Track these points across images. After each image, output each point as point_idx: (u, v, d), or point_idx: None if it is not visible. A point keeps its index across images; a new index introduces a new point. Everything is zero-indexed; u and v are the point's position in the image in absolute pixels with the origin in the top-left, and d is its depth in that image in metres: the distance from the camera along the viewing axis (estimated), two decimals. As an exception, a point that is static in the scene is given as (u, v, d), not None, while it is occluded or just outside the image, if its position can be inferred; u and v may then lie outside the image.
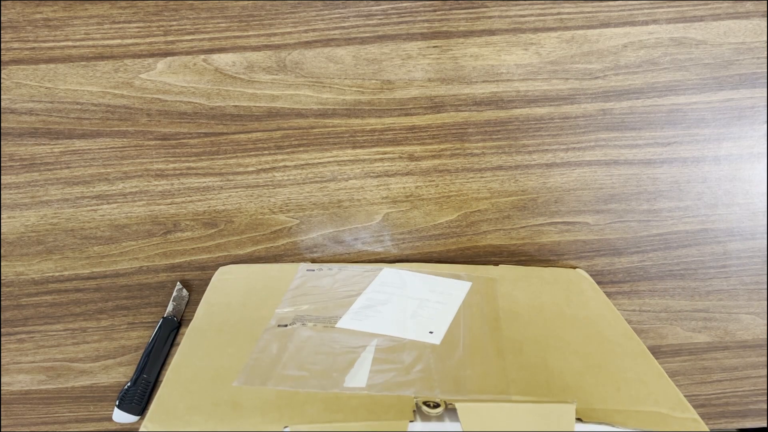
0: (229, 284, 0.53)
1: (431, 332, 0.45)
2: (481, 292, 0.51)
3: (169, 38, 0.52)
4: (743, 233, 0.59)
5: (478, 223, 0.58)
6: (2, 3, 0.50)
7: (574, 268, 0.60)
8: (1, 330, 0.58)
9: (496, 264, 0.59)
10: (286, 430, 0.34)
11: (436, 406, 0.35)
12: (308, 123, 0.55)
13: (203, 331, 0.46)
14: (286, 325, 0.45)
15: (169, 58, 0.52)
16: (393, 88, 0.54)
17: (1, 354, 0.58)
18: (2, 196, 0.55)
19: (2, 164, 0.54)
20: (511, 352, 0.42)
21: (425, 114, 0.55)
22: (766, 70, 0.55)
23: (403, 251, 0.59)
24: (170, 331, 0.57)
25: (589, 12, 0.53)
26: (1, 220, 0.55)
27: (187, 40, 0.52)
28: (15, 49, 0.51)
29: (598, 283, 0.59)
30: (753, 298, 0.61)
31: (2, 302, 0.57)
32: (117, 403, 0.56)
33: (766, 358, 0.62)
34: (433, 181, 0.57)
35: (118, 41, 0.52)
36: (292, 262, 0.59)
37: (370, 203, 0.57)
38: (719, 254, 0.59)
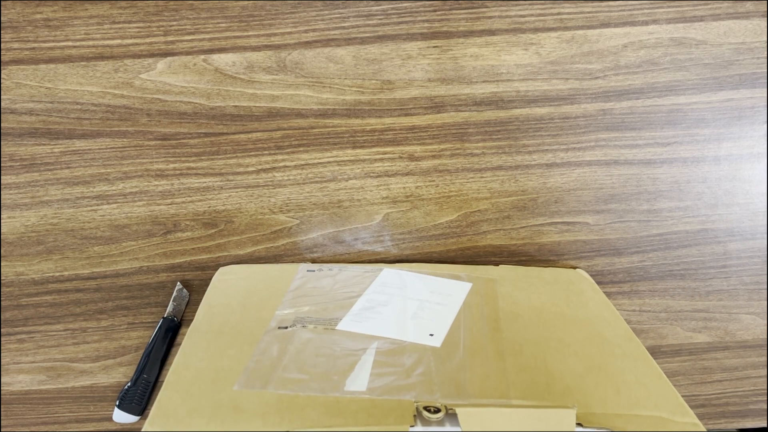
0: (229, 285, 0.53)
1: (431, 335, 0.45)
2: (482, 293, 0.51)
3: (169, 38, 0.52)
4: (743, 233, 0.59)
5: (478, 223, 0.58)
6: (2, 3, 0.50)
7: (574, 268, 0.60)
8: (1, 330, 0.58)
9: (496, 264, 0.59)
10: None
11: (437, 411, 0.35)
12: (308, 123, 0.55)
13: (204, 332, 0.46)
14: (286, 327, 0.45)
15: (169, 58, 0.52)
16: (393, 88, 0.54)
17: (1, 354, 0.58)
18: (2, 196, 0.55)
19: (2, 164, 0.54)
20: (512, 354, 0.42)
21: (425, 114, 0.55)
22: (766, 70, 0.55)
23: (403, 251, 0.59)
24: (170, 331, 0.57)
25: (589, 12, 0.53)
26: (1, 220, 0.55)
27: (187, 40, 0.52)
28: (15, 49, 0.51)
29: (599, 283, 0.59)
30: (753, 298, 0.61)
31: (2, 302, 0.57)
32: (117, 404, 0.56)
33: (766, 358, 0.62)
34: (433, 181, 0.57)
35: (118, 41, 0.52)
36: (292, 262, 0.59)
37: (370, 203, 0.57)
38: (719, 254, 0.59)
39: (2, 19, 0.51)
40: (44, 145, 0.54)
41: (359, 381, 0.39)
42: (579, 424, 0.34)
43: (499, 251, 0.59)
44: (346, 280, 0.53)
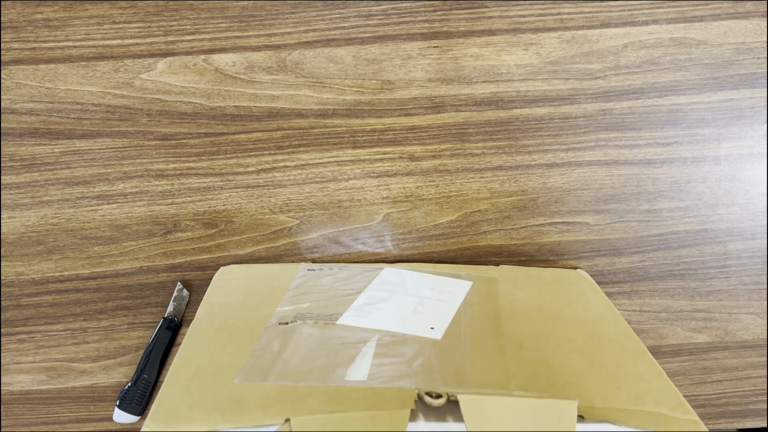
0: (229, 284, 0.54)
1: (432, 328, 0.45)
2: (482, 291, 0.51)
3: (170, 38, 0.52)
4: (743, 233, 0.59)
5: (478, 223, 0.58)
6: (2, 3, 0.50)
7: (575, 268, 0.60)
8: (2, 330, 0.58)
9: (497, 264, 0.59)
10: (287, 423, 0.34)
11: (438, 396, 0.35)
12: (308, 123, 0.55)
13: (204, 330, 0.46)
14: (287, 323, 0.46)
15: (169, 59, 0.52)
16: (393, 89, 0.54)
17: (1, 354, 0.58)
18: (2, 196, 0.55)
19: (2, 164, 0.54)
20: (512, 349, 0.42)
21: (425, 114, 0.55)
22: (766, 70, 0.55)
23: (404, 251, 0.59)
24: (170, 331, 0.57)
25: (589, 12, 0.53)
26: (1, 220, 0.55)
27: (187, 41, 0.52)
28: (15, 49, 0.51)
29: (599, 283, 0.59)
30: (753, 298, 0.61)
31: (2, 302, 0.57)
32: (117, 403, 0.56)
33: (766, 358, 0.62)
34: (434, 181, 0.57)
35: (119, 41, 0.52)
36: (293, 262, 0.59)
37: (371, 203, 0.57)
38: (719, 254, 0.59)
39: (2, 19, 0.51)
40: (44, 145, 0.54)
41: (360, 371, 0.39)
42: (580, 417, 0.35)
43: (499, 251, 0.59)
44: (346, 279, 0.53)
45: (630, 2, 0.53)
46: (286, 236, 0.58)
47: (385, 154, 0.56)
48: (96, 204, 0.56)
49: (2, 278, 0.57)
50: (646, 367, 0.41)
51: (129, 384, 0.56)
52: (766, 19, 0.53)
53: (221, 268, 0.57)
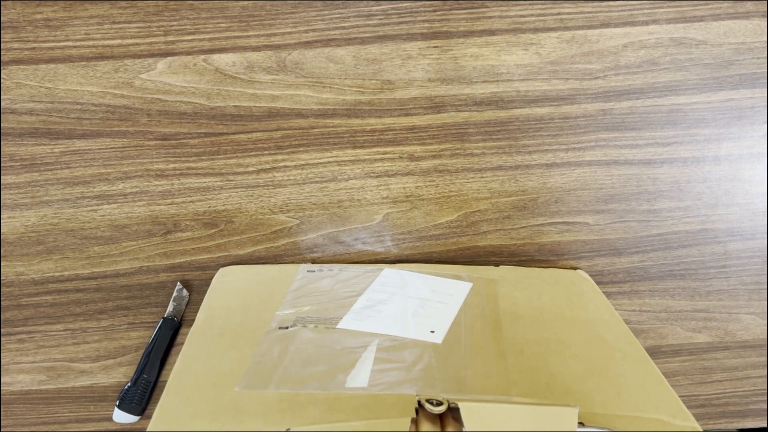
0: (229, 286, 0.53)
1: (432, 331, 0.45)
2: (482, 293, 0.51)
3: (169, 38, 0.52)
4: (743, 233, 0.59)
5: (478, 223, 0.58)
6: (2, 3, 0.50)
7: (575, 268, 0.60)
8: (2, 330, 0.58)
9: (497, 264, 0.59)
10: None
11: (439, 404, 0.35)
12: (308, 123, 0.55)
13: (204, 335, 0.45)
14: (287, 328, 0.45)
15: (169, 58, 0.52)
16: (393, 88, 0.54)
17: (2, 354, 0.58)
18: (2, 196, 0.55)
19: (2, 164, 0.54)
20: (513, 354, 0.42)
21: (425, 114, 0.55)
22: (766, 70, 0.55)
23: (404, 251, 0.59)
24: (170, 331, 0.57)
25: (589, 12, 0.53)
26: (1, 220, 0.55)
27: (187, 40, 0.52)
28: (15, 49, 0.51)
29: (599, 283, 0.59)
30: (753, 298, 0.61)
31: (2, 302, 0.57)
32: (117, 403, 0.56)
33: (766, 358, 0.62)
34: (434, 181, 0.57)
35: (119, 41, 0.52)
36: (293, 262, 0.59)
37: (371, 203, 0.57)
38: (719, 254, 0.59)
39: (2, 19, 0.51)
40: (44, 145, 0.54)
41: (360, 377, 0.39)
42: (581, 423, 0.35)
43: (499, 251, 0.59)
44: (346, 280, 0.53)
45: (630, 2, 0.53)
46: (286, 236, 0.58)
47: (385, 154, 0.56)
48: (96, 204, 0.56)
49: (2, 278, 0.57)
50: (646, 373, 0.41)
51: (129, 384, 0.56)
52: (766, 19, 0.53)
53: (221, 269, 0.57)
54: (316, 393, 0.37)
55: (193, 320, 0.48)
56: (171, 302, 0.58)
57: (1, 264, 0.56)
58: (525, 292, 0.52)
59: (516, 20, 0.53)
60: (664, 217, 0.58)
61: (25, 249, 0.56)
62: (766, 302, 0.61)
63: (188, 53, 0.52)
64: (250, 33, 0.52)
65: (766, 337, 0.62)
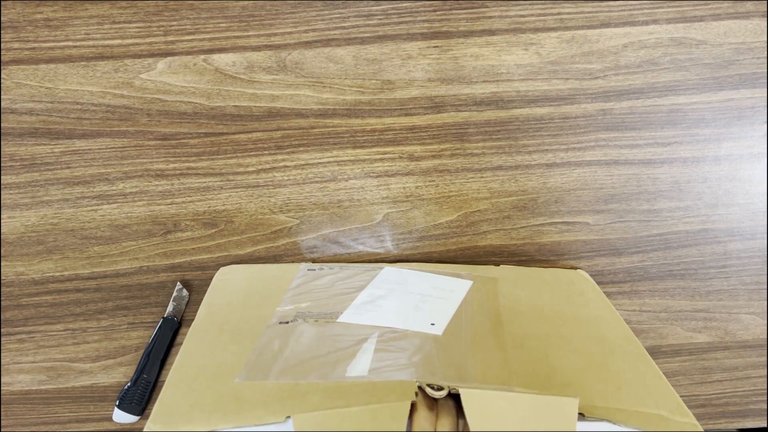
0: (229, 285, 0.54)
1: (433, 324, 0.45)
2: (482, 290, 0.51)
3: (169, 38, 0.52)
4: (743, 233, 0.59)
5: (478, 223, 0.58)
6: (2, 3, 0.50)
7: (575, 268, 0.60)
8: (2, 330, 0.58)
9: (497, 264, 0.59)
10: (288, 420, 0.34)
11: (440, 388, 0.35)
12: (308, 123, 0.55)
13: (205, 331, 0.46)
14: (287, 322, 0.46)
15: (169, 58, 0.52)
16: (393, 88, 0.54)
17: (1, 354, 0.58)
18: (2, 196, 0.55)
19: (2, 164, 0.54)
20: (513, 346, 0.43)
21: (425, 114, 0.55)
22: (766, 70, 0.55)
23: (404, 251, 0.59)
24: (170, 331, 0.57)
25: (589, 12, 0.53)
26: (1, 220, 0.55)
27: (187, 40, 0.52)
28: (15, 49, 0.51)
29: (599, 283, 0.59)
30: (753, 298, 0.61)
31: (2, 302, 0.57)
32: (117, 403, 0.56)
33: (766, 358, 0.62)
34: (433, 181, 0.57)
35: (119, 41, 0.52)
36: (293, 262, 0.59)
37: (370, 203, 0.57)
38: (719, 254, 0.59)
39: (2, 19, 0.51)
40: (44, 145, 0.54)
41: (361, 366, 0.39)
42: (581, 415, 0.35)
43: (499, 251, 0.59)
44: (346, 278, 0.53)
45: (630, 2, 0.53)
46: (286, 236, 0.58)
47: (385, 154, 0.56)
48: (96, 204, 0.56)
49: (2, 278, 0.57)
50: (646, 370, 0.41)
51: (129, 384, 0.56)
52: (766, 19, 0.53)
53: (221, 268, 0.57)
54: (316, 382, 0.37)
55: (193, 320, 0.48)
56: (171, 302, 0.58)
57: (1, 264, 0.56)
58: (525, 291, 0.52)
59: (516, 20, 0.53)
60: (664, 217, 0.58)
61: (25, 249, 0.56)
62: (766, 302, 0.61)
63: (188, 53, 0.52)
64: (250, 33, 0.52)
65: (766, 337, 0.62)
